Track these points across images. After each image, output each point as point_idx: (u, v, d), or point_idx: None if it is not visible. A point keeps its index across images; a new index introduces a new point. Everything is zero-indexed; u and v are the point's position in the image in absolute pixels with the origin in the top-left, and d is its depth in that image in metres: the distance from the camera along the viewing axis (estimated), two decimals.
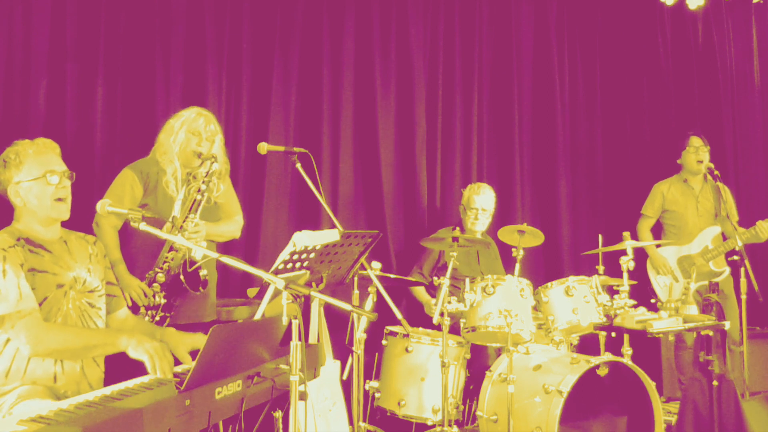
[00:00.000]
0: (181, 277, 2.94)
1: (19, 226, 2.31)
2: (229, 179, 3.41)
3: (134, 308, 2.93)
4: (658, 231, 4.89)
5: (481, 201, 4.25)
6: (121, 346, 2.14)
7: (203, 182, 3.04)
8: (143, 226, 2.22)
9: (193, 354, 2.36)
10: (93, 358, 2.31)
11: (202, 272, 2.96)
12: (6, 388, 2.15)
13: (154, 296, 2.97)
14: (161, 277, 2.97)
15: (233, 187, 3.51)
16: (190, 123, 3.16)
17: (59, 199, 2.30)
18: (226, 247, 3.68)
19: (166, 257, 2.98)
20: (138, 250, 3.13)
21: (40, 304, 2.19)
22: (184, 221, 2.97)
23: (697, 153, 4.67)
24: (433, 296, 4.20)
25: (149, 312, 2.96)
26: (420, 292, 4.23)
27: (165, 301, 2.99)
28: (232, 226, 3.40)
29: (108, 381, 2.34)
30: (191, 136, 3.15)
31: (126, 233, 3.15)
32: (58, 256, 2.31)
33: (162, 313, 2.99)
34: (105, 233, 3.08)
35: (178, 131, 3.15)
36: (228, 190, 3.39)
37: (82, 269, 2.36)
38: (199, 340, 2.41)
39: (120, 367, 2.27)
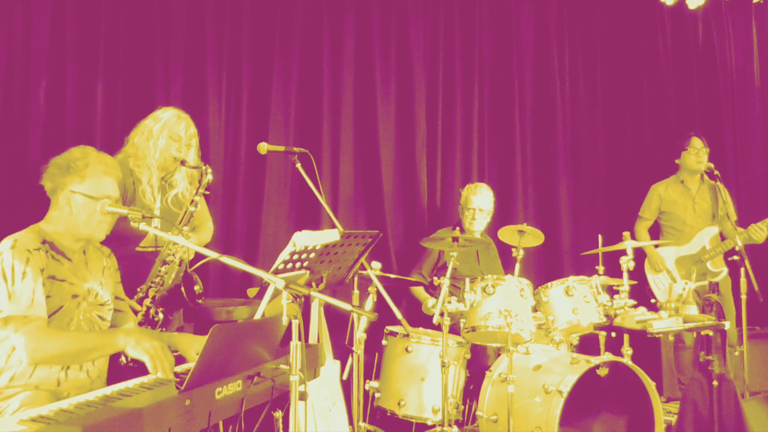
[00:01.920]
0: (182, 289, 2.88)
1: (47, 228, 2.27)
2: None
3: None
4: (657, 232, 4.89)
5: (478, 201, 4.24)
6: (120, 345, 2.12)
7: (197, 194, 2.95)
8: (143, 226, 2.22)
9: None
10: (95, 363, 2.30)
11: (197, 287, 2.91)
12: (9, 392, 2.14)
13: (148, 311, 2.86)
14: (153, 291, 2.88)
15: (231, 186, 3.47)
16: (171, 127, 3.01)
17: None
18: (226, 247, 3.68)
19: (159, 271, 2.90)
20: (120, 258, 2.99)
21: (54, 312, 2.18)
22: (179, 234, 2.90)
23: (697, 155, 4.67)
24: (433, 296, 4.20)
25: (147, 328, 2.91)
26: (418, 291, 4.23)
27: (162, 317, 2.90)
28: (207, 233, 3.33)
29: (109, 381, 2.34)
30: (172, 142, 3.01)
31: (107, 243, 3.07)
32: (76, 266, 2.30)
33: (160, 329, 2.93)
34: None
35: (159, 136, 3.00)
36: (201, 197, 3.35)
37: (95, 282, 2.35)
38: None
39: (121, 366, 2.27)
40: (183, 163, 3.01)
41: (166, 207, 3.09)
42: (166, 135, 3.01)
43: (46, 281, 2.17)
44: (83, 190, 2.25)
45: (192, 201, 2.95)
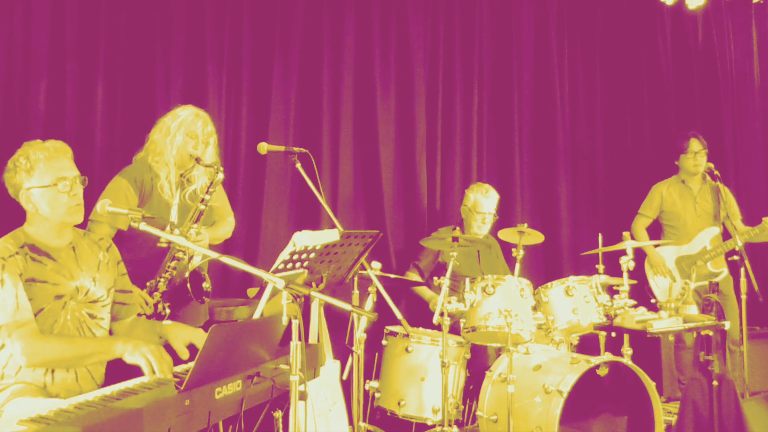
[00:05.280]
0: (188, 285, 2.88)
1: (29, 230, 2.27)
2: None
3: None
4: (657, 231, 4.89)
5: (489, 205, 4.24)
6: (117, 352, 2.12)
7: (208, 193, 2.96)
8: (143, 226, 2.22)
9: (191, 348, 2.35)
10: (88, 370, 2.28)
11: (205, 284, 2.92)
12: None
13: (156, 306, 2.90)
14: (162, 286, 2.90)
15: (231, 186, 3.47)
16: (188, 125, 3.06)
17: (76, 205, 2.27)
18: (226, 247, 3.68)
19: (168, 266, 2.92)
20: (137, 260, 3.00)
21: (35, 315, 2.17)
22: (187, 231, 2.91)
23: (695, 158, 4.67)
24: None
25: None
26: (422, 290, 4.22)
27: (169, 311, 2.93)
28: (227, 228, 3.37)
29: (108, 381, 2.34)
30: (189, 139, 3.05)
31: (123, 243, 3.05)
32: (62, 264, 2.27)
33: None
34: None
35: (176, 133, 3.04)
36: (221, 192, 3.35)
37: (86, 278, 2.32)
38: (195, 335, 2.39)
39: (120, 367, 2.26)
40: (198, 160, 3.04)
41: (184, 203, 3.11)
42: (183, 132, 3.06)
43: (25, 285, 2.15)
44: (35, 184, 2.22)
45: (202, 200, 2.96)
